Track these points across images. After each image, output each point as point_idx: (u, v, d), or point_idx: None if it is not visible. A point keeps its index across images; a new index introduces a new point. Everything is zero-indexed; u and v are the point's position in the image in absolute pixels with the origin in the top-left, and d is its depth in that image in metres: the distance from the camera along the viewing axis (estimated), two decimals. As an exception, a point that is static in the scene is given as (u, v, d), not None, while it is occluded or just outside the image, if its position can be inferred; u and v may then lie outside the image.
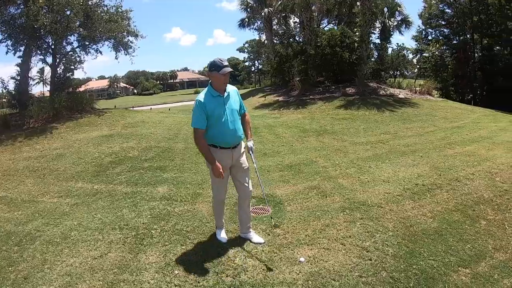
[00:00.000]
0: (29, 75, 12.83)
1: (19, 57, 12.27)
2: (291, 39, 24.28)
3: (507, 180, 5.32)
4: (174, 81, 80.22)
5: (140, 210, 4.74)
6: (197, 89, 62.50)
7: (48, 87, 13.23)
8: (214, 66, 3.29)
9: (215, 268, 3.25)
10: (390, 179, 5.71)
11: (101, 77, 79.67)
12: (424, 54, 28.87)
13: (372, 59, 20.26)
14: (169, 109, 19.93)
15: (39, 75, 14.01)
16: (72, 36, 12.62)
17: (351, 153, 7.59)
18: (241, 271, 3.20)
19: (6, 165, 7.30)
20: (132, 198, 5.24)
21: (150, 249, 3.65)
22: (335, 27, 21.78)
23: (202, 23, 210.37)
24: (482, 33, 23.51)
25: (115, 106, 19.23)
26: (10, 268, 3.42)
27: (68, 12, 11.47)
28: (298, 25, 23.58)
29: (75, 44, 13.13)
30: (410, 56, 36.09)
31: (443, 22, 26.19)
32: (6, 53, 12.15)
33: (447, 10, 25.70)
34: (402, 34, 23.18)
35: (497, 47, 23.44)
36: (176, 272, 3.22)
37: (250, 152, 3.66)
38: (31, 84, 13.12)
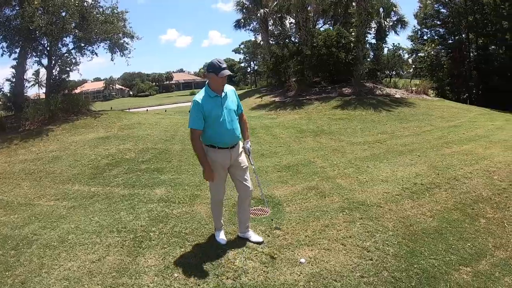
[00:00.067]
0: (25, 77, 12.78)
1: (14, 59, 12.25)
2: (287, 40, 24.31)
3: (505, 179, 5.33)
4: (170, 82, 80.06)
5: (137, 213, 4.69)
6: (193, 91, 62.47)
7: (44, 89, 13.18)
8: (212, 68, 3.25)
9: (215, 271, 3.21)
10: (389, 178, 5.70)
11: (97, 79, 79.41)
12: (419, 54, 29.03)
13: (368, 59, 20.33)
14: (166, 111, 19.88)
15: (35, 77, 13.95)
16: (68, 37, 12.63)
17: (348, 153, 7.58)
18: (242, 273, 3.17)
19: (2, 168, 7.24)
20: (130, 200, 5.20)
21: (149, 252, 3.61)
22: (331, 28, 21.81)
23: (198, 24, 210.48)
24: (477, 32, 23.65)
25: (111, 108, 19.12)
26: (7, 273, 3.37)
27: (63, 14, 11.42)
28: (294, 26, 23.61)
29: (71, 46, 13.13)
30: (406, 56, 36.25)
31: (438, 22, 26.33)
32: (2, 55, 12.10)
33: (442, 10, 25.87)
34: (397, 34, 23.28)
35: (492, 47, 23.61)
36: (176, 275, 3.18)
37: (248, 153, 3.64)
38: (26, 86, 13.12)
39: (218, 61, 3.25)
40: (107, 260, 3.49)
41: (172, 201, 5.06)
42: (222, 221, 3.86)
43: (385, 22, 21.09)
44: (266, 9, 22.14)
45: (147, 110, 23.26)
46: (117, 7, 12.97)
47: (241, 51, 67.64)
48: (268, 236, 3.85)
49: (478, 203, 4.57)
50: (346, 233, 3.87)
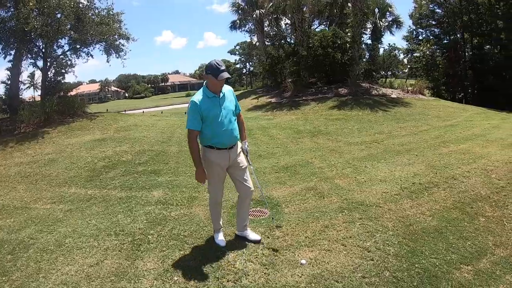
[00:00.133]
0: (20, 79, 12.66)
1: (9, 61, 12.15)
2: (282, 41, 24.32)
3: (503, 177, 5.34)
4: (166, 84, 79.95)
5: (135, 215, 4.65)
6: (188, 92, 62.53)
7: (39, 92, 13.10)
8: (211, 69, 3.22)
9: (215, 273, 3.18)
10: (387, 178, 5.70)
11: (92, 81, 79.22)
12: (415, 54, 29.15)
13: (364, 60, 20.38)
14: (162, 112, 19.84)
15: (30, 79, 13.86)
16: (63, 39, 12.55)
17: (346, 153, 7.58)
18: (242, 275, 3.13)
19: (-3, 171, 7.16)
20: (127, 203, 5.15)
21: (148, 255, 3.57)
22: (327, 28, 21.86)
23: (193, 26, 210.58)
24: (472, 32, 23.80)
25: (107, 110, 19.07)
26: (3, 278, 3.32)
27: (58, 15, 11.35)
28: (290, 27, 23.63)
29: (66, 48, 13.05)
30: (401, 56, 36.43)
31: (433, 22, 26.48)
32: (-3, 57, 12.00)
33: (437, 10, 26.03)
34: (393, 34, 23.47)
35: (488, 46, 23.77)
36: (176, 278, 3.14)
37: (245, 154, 3.63)
38: (21, 89, 12.98)
39: (216, 63, 3.21)
40: (105, 264, 3.44)
41: (170, 203, 5.02)
42: (221, 222, 3.83)
43: (381, 23, 21.18)
44: (262, 10, 22.14)
45: (143, 112, 23.21)
46: (113, 9, 12.92)
47: (237, 52, 67.66)
48: (268, 237, 3.82)
49: (477, 202, 4.57)
50: (346, 233, 3.85)
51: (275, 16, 23.54)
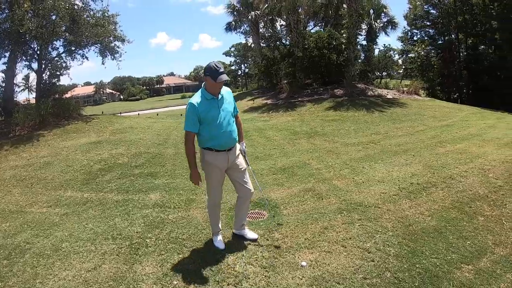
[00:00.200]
0: (15, 81, 12.57)
1: (4, 63, 12.06)
2: (278, 42, 24.36)
3: (500, 176, 5.36)
4: (161, 86, 79.79)
5: (132, 219, 4.60)
6: (184, 94, 62.41)
7: (34, 94, 12.99)
8: (209, 71, 3.19)
9: (215, 277, 3.14)
10: (385, 179, 5.69)
11: (87, 83, 78.92)
12: (410, 55, 29.29)
13: (359, 61, 20.45)
14: (157, 114, 19.78)
15: (24, 82, 13.74)
16: (58, 41, 12.45)
17: (343, 154, 7.57)
18: (242, 278, 3.10)
19: (-8, 175, 7.07)
20: (124, 206, 5.10)
21: (146, 259, 3.52)
22: (322, 30, 21.92)
23: (188, 28, 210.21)
24: (467, 32, 23.97)
25: (102, 112, 18.99)
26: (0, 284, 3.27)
27: (53, 17, 11.26)
28: (285, 28, 23.66)
29: (61, 50, 12.96)
30: (396, 57, 36.60)
31: (428, 23, 26.65)
32: (-9, 59, 11.90)
33: (432, 11, 26.19)
34: (388, 35, 23.57)
35: (482, 46, 23.96)
36: (175, 282, 3.10)
37: (243, 155, 3.61)
38: (16, 91, 12.88)
39: (215, 65, 3.18)
40: (103, 269, 3.40)
41: (167, 206, 4.98)
42: (219, 225, 3.80)
43: (376, 24, 21.23)
44: (257, 12, 22.15)
45: (138, 114, 23.13)
46: (108, 10, 12.84)
47: (232, 54, 67.61)
48: (267, 240, 3.79)
49: (475, 201, 4.57)
50: (346, 234, 3.83)
51: (270, 17, 23.56)
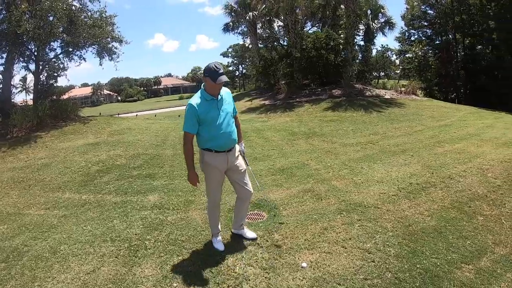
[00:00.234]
0: (12, 83, 12.49)
1: (1, 64, 11.99)
2: (275, 43, 24.37)
3: (499, 176, 5.37)
4: (158, 87, 79.62)
5: (131, 220, 4.57)
6: (181, 95, 62.31)
7: (31, 95, 12.93)
8: (209, 72, 3.17)
9: (215, 279, 3.12)
10: (384, 179, 5.69)
11: (84, 85, 78.69)
12: (407, 55, 29.34)
13: (357, 61, 20.49)
14: (155, 115, 19.73)
15: (22, 83, 13.67)
16: (56, 42, 12.37)
17: (342, 154, 7.56)
18: (243, 280, 3.08)
19: (-11, 177, 7.03)
20: (122, 208, 5.07)
21: (145, 261, 3.50)
22: (319, 30, 21.94)
23: (185, 29, 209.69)
24: (464, 32, 24.01)
25: (100, 114, 18.88)
26: (-3, 287, 3.24)
27: (51, 18, 11.21)
28: (283, 29, 23.68)
29: (59, 51, 12.88)
30: (394, 57, 36.68)
31: (425, 23, 26.67)
32: (-12, 60, 11.84)
33: (429, 11, 26.20)
34: (385, 35, 23.61)
35: (479, 46, 24.00)
36: (175, 284, 3.08)
37: (242, 155, 3.61)
38: (13, 93, 12.78)
39: (215, 66, 3.17)
40: (102, 271, 3.37)
41: (166, 208, 4.95)
42: (219, 227, 3.78)
43: (373, 24, 21.31)
44: (255, 12, 22.15)
45: (136, 115, 23.06)
46: (106, 11, 12.76)
47: (229, 55, 67.58)
48: (267, 241, 3.77)
49: (475, 201, 4.59)
50: (346, 235, 3.82)
51: (268, 18, 23.57)
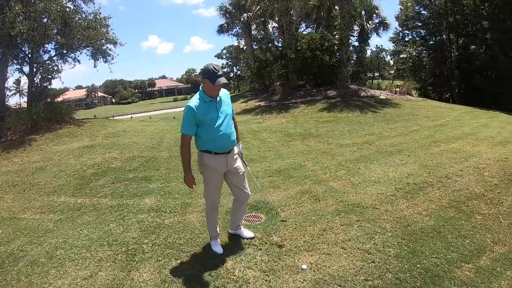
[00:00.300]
0: (6, 85, 12.37)
1: (-5, 67, 11.83)
2: (270, 44, 24.40)
3: (496, 175, 5.40)
4: (153, 89, 79.31)
5: (128, 224, 4.53)
6: (176, 97, 62.13)
7: (25, 98, 12.82)
8: (208, 74, 3.15)
9: (215, 282, 3.09)
10: (381, 179, 5.69)
11: (78, 87, 78.01)
12: (401, 55, 29.49)
13: (352, 62, 20.54)
14: (150, 118, 19.62)
15: (16, 86, 13.53)
16: (50, 44, 12.30)
17: (338, 155, 7.56)
18: (243, 283, 3.05)
19: (-17, 181, 6.94)
20: (119, 211, 5.01)
21: (143, 266, 3.46)
22: (314, 31, 22.00)
23: (179, 31, 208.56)
24: (458, 33, 24.17)
25: (94, 116, 18.74)
26: (-8, 294, 3.18)
27: (45, 19, 11.13)
28: (277, 30, 23.72)
29: (53, 53, 12.79)
30: (388, 57, 36.86)
31: (419, 24, 26.84)
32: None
33: (423, 12, 26.39)
34: (379, 36, 23.70)
35: (473, 46, 24.17)
36: (174, 288, 3.05)
37: (240, 156, 3.59)
38: (7, 95, 12.67)
39: (213, 68, 3.15)
40: (99, 276, 3.32)
41: (163, 211, 4.91)
42: (217, 229, 3.75)
43: (368, 25, 21.41)
44: (249, 14, 22.16)
45: (131, 117, 22.91)
46: (100, 13, 12.70)
47: (224, 56, 67.53)
48: (266, 243, 3.75)
49: (472, 200, 4.60)
50: (345, 236, 3.81)
51: (263, 19, 23.61)
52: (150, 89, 78.91)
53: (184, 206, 5.02)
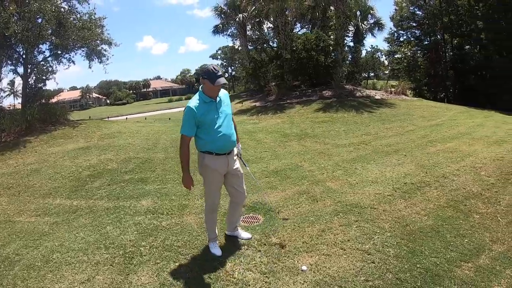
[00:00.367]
0: (0, 86, 12.27)
1: (-12, 68, 11.72)
2: (265, 45, 24.41)
3: (492, 174, 5.42)
4: (147, 90, 79.10)
5: (125, 226, 4.48)
6: (171, 98, 62.00)
7: (19, 99, 12.71)
8: (207, 74, 3.14)
9: (215, 285, 3.06)
10: (378, 179, 5.69)
11: (73, 88, 77.69)
12: (396, 56, 29.58)
13: (347, 62, 20.59)
14: (145, 118, 19.55)
15: (10, 87, 13.40)
16: (44, 44, 12.17)
17: (335, 155, 7.55)
18: (243, 285, 3.03)
19: (-24, 184, 6.85)
20: (115, 213, 4.97)
21: (141, 269, 3.42)
22: (309, 31, 22.02)
23: (174, 31, 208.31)
24: (453, 33, 24.28)
25: (89, 117, 18.66)
26: (-12, 298, 3.13)
27: (39, 20, 11.03)
28: (273, 30, 23.73)
29: (47, 53, 12.67)
30: (383, 57, 36.96)
31: (414, 24, 26.92)
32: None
33: (417, 12, 26.47)
34: (374, 36, 23.82)
35: (468, 46, 24.28)
36: (173, 291, 3.02)
37: (239, 156, 3.58)
38: (1, 97, 12.57)
39: (213, 68, 3.14)
40: (97, 280, 3.28)
41: (160, 213, 4.86)
42: (216, 231, 3.72)
43: (363, 25, 21.49)
44: (245, 14, 22.16)
45: (126, 118, 22.82)
46: (95, 13, 12.60)
47: (219, 57, 67.51)
48: (265, 244, 3.73)
49: (470, 199, 4.61)
50: (344, 236, 3.80)
51: (258, 19, 23.61)
52: (145, 90, 78.71)
53: (181, 208, 4.98)
